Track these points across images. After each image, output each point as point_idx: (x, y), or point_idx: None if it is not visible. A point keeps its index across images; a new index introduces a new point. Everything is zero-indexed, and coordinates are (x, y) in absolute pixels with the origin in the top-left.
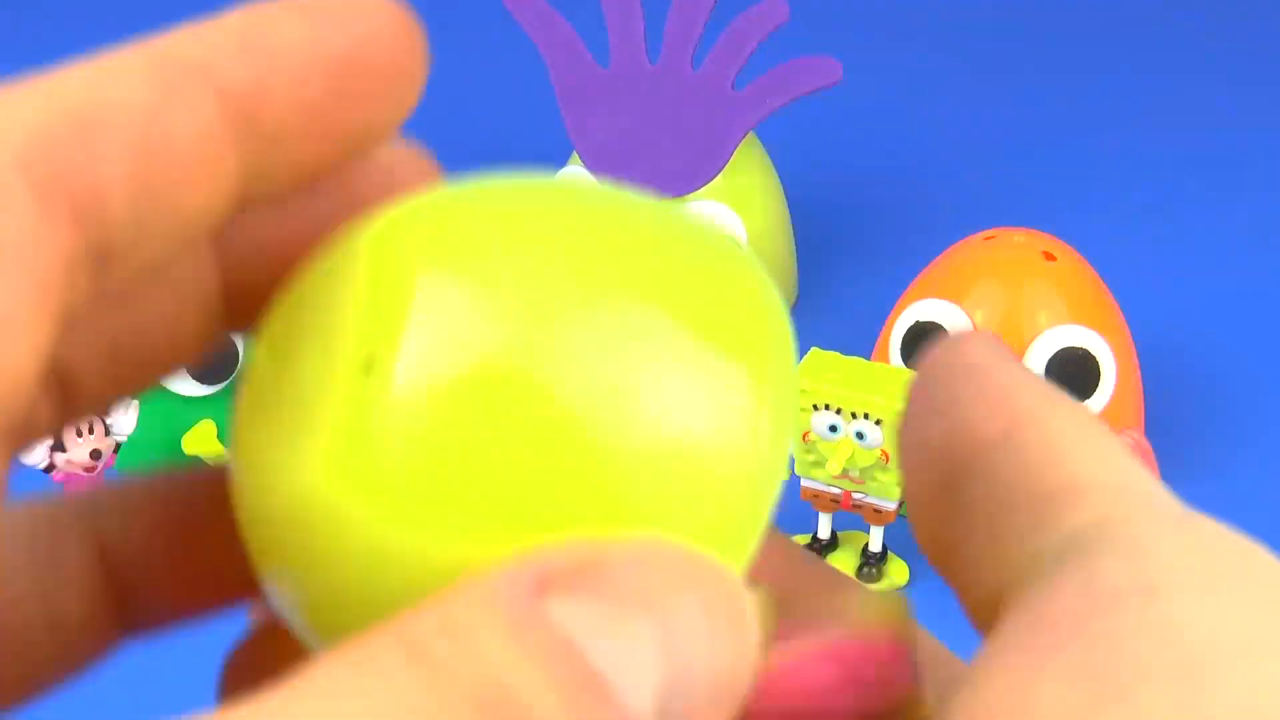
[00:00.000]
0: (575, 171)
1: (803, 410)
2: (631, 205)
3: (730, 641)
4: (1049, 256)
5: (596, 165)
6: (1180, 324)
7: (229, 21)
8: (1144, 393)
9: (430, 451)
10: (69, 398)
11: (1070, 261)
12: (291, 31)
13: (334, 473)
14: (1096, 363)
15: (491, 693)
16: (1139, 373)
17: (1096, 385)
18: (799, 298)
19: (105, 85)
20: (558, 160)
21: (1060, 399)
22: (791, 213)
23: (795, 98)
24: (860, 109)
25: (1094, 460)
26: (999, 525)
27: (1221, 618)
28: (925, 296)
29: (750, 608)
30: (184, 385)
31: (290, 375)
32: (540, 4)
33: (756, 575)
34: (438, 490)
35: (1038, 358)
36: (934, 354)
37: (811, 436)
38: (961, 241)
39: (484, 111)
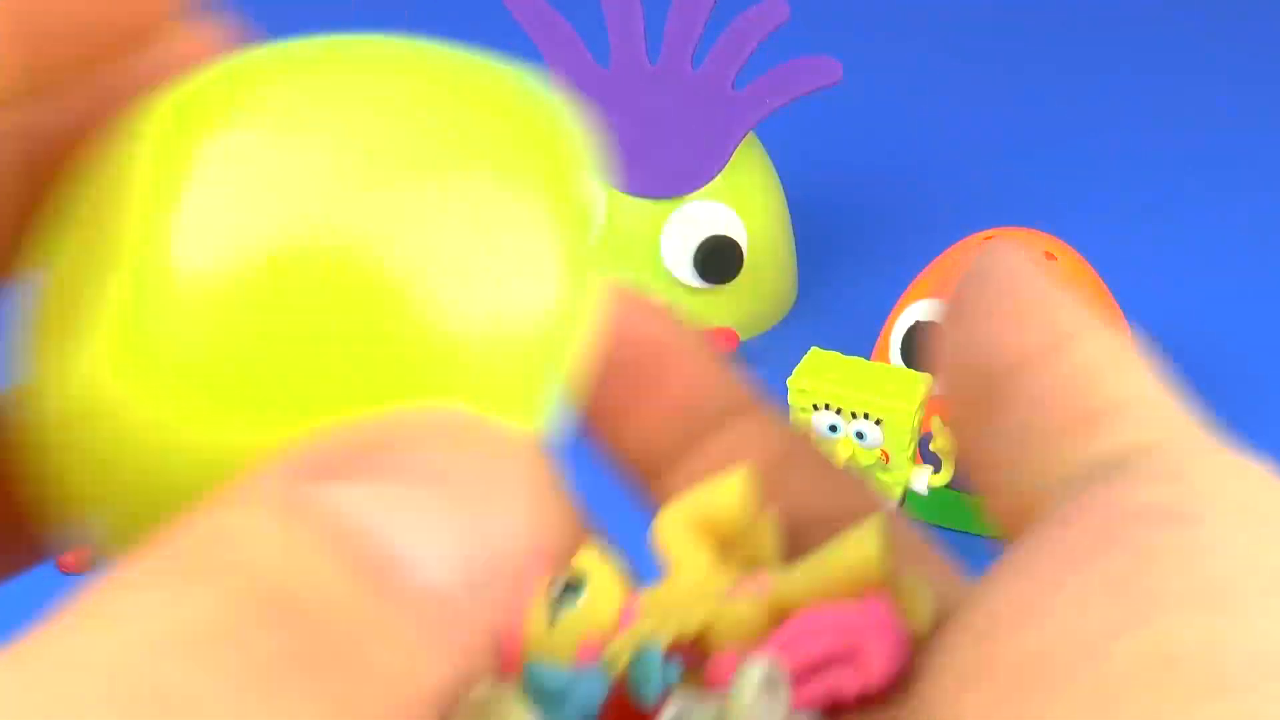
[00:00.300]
0: None
1: (803, 410)
2: (421, 59)
3: (526, 505)
4: (1049, 256)
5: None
6: (1180, 324)
7: None
8: None
9: (208, 337)
10: None
11: (1070, 261)
12: None
13: (116, 369)
14: None
15: (275, 594)
16: None
17: None
18: (799, 298)
19: None
20: None
21: (1099, 322)
22: (791, 213)
23: (795, 98)
24: (860, 109)
25: (1135, 384)
26: (1037, 439)
27: (1256, 549)
28: (925, 296)
29: (544, 469)
30: None
31: (75, 274)
32: (540, 4)
33: (773, 494)
34: (218, 377)
35: None
36: (977, 262)
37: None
38: (961, 241)
39: None
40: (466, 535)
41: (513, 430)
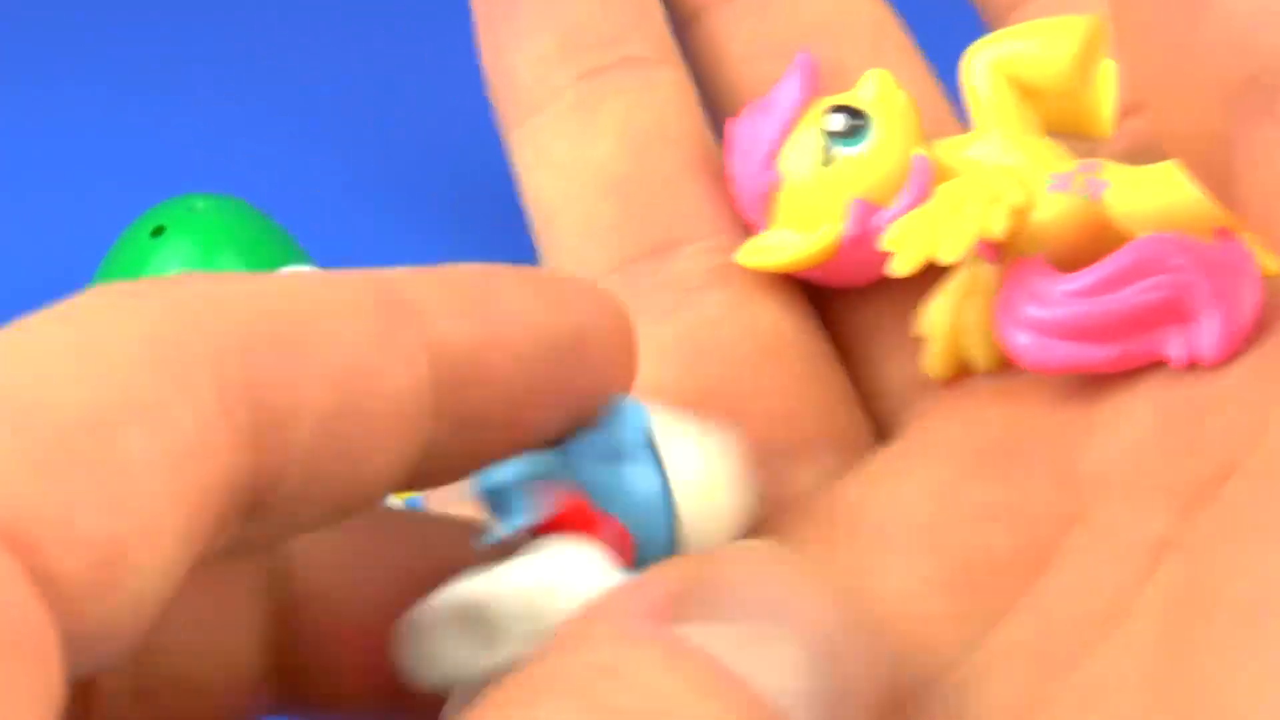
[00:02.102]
0: None
1: None
2: None
3: (860, 638)
4: None
5: None
6: None
7: (456, 273)
8: None
9: None
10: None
11: None
12: (517, 300)
13: None
14: None
15: None
16: None
17: None
18: None
19: (321, 306)
20: None
21: None
22: None
23: None
24: None
25: None
26: None
27: None
28: None
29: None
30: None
31: None
32: None
33: None
34: None
35: None
36: None
37: None
38: None
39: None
40: (818, 674)
41: (803, 561)
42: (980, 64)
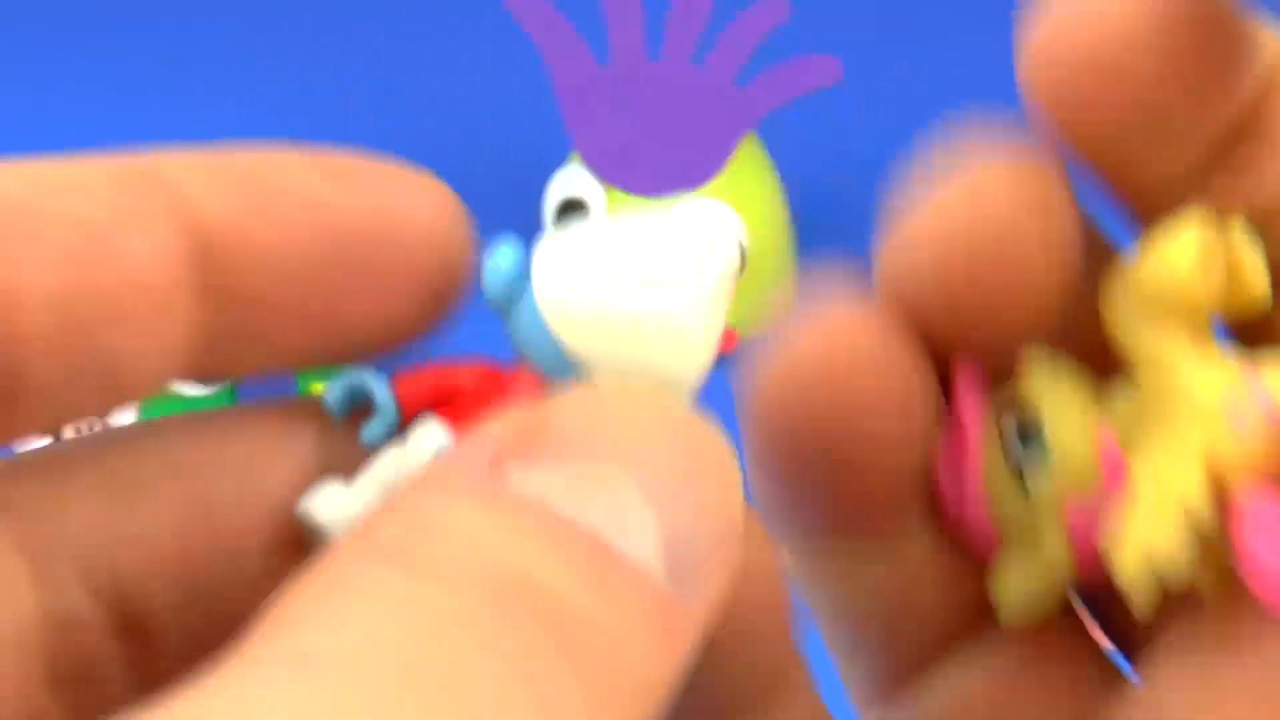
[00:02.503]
0: (575, 171)
1: None
2: None
3: (715, 482)
4: None
5: (597, 165)
6: None
7: (227, 154)
8: None
9: None
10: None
11: None
12: (299, 179)
13: None
14: None
15: (504, 579)
16: None
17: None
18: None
19: (47, 186)
20: (557, 160)
21: None
22: (791, 213)
23: (795, 97)
24: (860, 109)
25: None
26: None
27: None
28: None
29: (721, 441)
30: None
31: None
32: (540, 4)
33: None
34: None
35: None
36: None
37: None
38: None
39: (484, 111)
40: (661, 514)
41: (684, 404)
42: (1119, 308)
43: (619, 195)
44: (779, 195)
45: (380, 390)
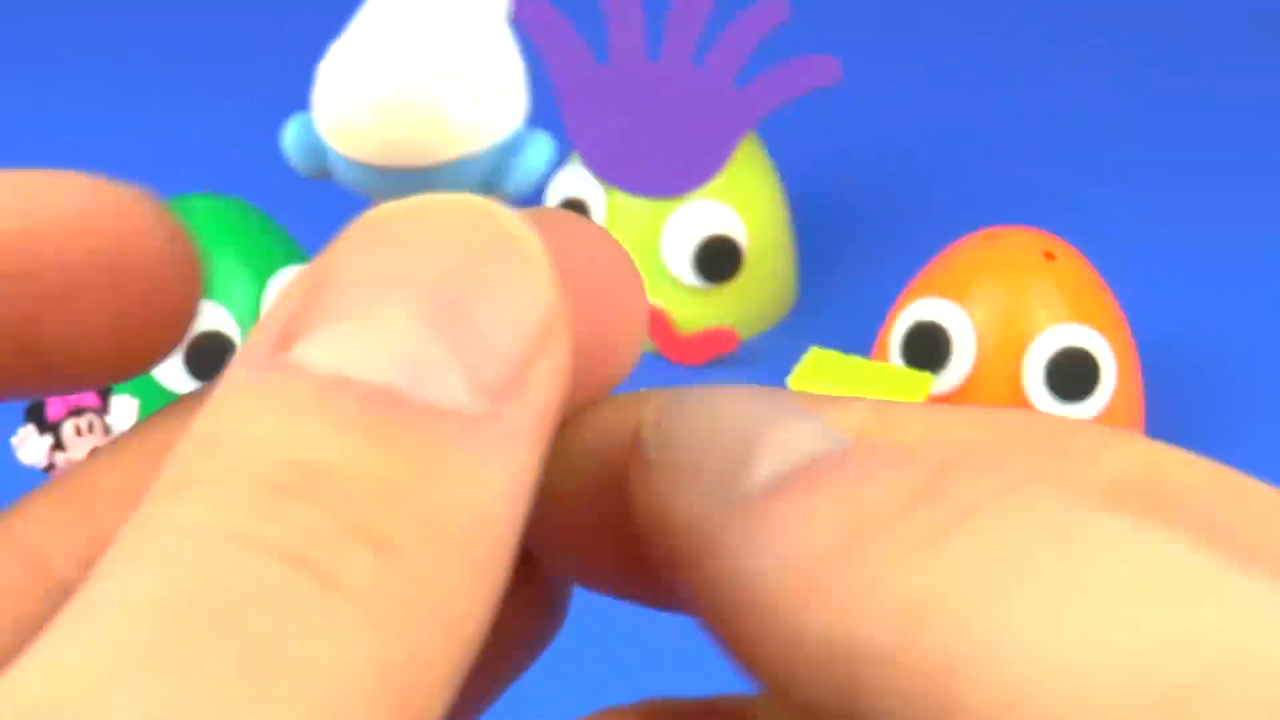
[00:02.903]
0: (575, 171)
1: None
2: None
3: (513, 275)
4: (1049, 256)
5: (596, 165)
6: (1180, 324)
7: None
8: (1144, 393)
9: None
10: None
11: (1070, 261)
12: (65, 196)
13: None
14: (1096, 363)
15: (284, 474)
16: (1139, 372)
17: (1096, 385)
18: (799, 298)
19: None
20: (558, 159)
21: None
22: (792, 213)
23: (795, 98)
24: (860, 109)
25: None
26: None
27: None
28: (925, 296)
29: (522, 229)
30: (179, 380)
31: None
32: (540, 4)
33: None
34: None
35: (1038, 358)
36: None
37: None
38: (961, 240)
39: None
40: (460, 341)
41: (464, 201)
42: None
43: (619, 195)
44: (779, 195)
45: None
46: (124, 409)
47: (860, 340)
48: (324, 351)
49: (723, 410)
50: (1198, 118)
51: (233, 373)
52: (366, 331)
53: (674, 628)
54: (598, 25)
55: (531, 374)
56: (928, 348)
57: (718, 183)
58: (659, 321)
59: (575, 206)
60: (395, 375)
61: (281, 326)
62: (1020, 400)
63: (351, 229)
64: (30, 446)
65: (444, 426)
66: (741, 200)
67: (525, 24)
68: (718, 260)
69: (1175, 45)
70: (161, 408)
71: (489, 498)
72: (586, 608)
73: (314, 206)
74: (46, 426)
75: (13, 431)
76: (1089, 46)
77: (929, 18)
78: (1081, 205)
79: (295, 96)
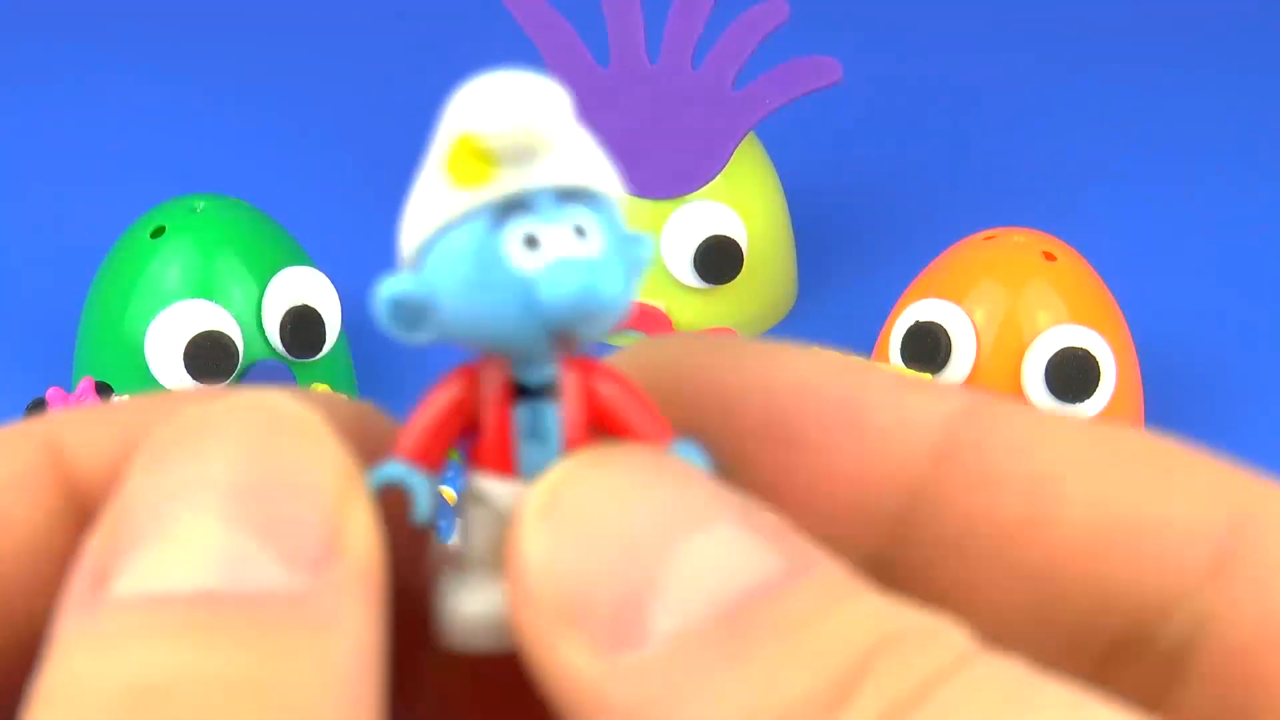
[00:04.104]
0: None
1: None
2: None
3: (307, 451)
4: (1049, 256)
5: None
6: (1180, 324)
7: (107, 407)
8: (1144, 393)
9: None
10: None
11: (1070, 261)
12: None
13: None
14: (1096, 363)
15: (121, 702)
16: (1139, 373)
17: (1096, 385)
18: (799, 298)
19: None
20: None
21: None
22: (791, 213)
23: (795, 98)
24: (860, 109)
25: None
26: None
27: None
28: (925, 296)
29: (294, 407)
30: (179, 381)
31: None
32: (540, 4)
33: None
34: None
35: (1038, 358)
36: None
37: None
38: (961, 241)
39: None
40: (258, 525)
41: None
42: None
43: None
44: (779, 196)
45: (408, 477)
46: None
47: (860, 341)
48: (137, 578)
49: (621, 514)
50: (1198, 118)
51: (60, 625)
52: (172, 547)
53: None
54: (598, 26)
55: (343, 540)
56: (928, 348)
57: (718, 183)
58: (659, 322)
59: None
60: (210, 578)
61: (95, 566)
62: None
63: (137, 455)
64: None
65: (270, 611)
66: (741, 201)
67: (525, 24)
68: (718, 261)
69: (1175, 46)
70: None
71: (336, 663)
72: None
73: (314, 206)
74: None
75: None
76: (1089, 47)
77: (929, 18)
78: (1081, 205)
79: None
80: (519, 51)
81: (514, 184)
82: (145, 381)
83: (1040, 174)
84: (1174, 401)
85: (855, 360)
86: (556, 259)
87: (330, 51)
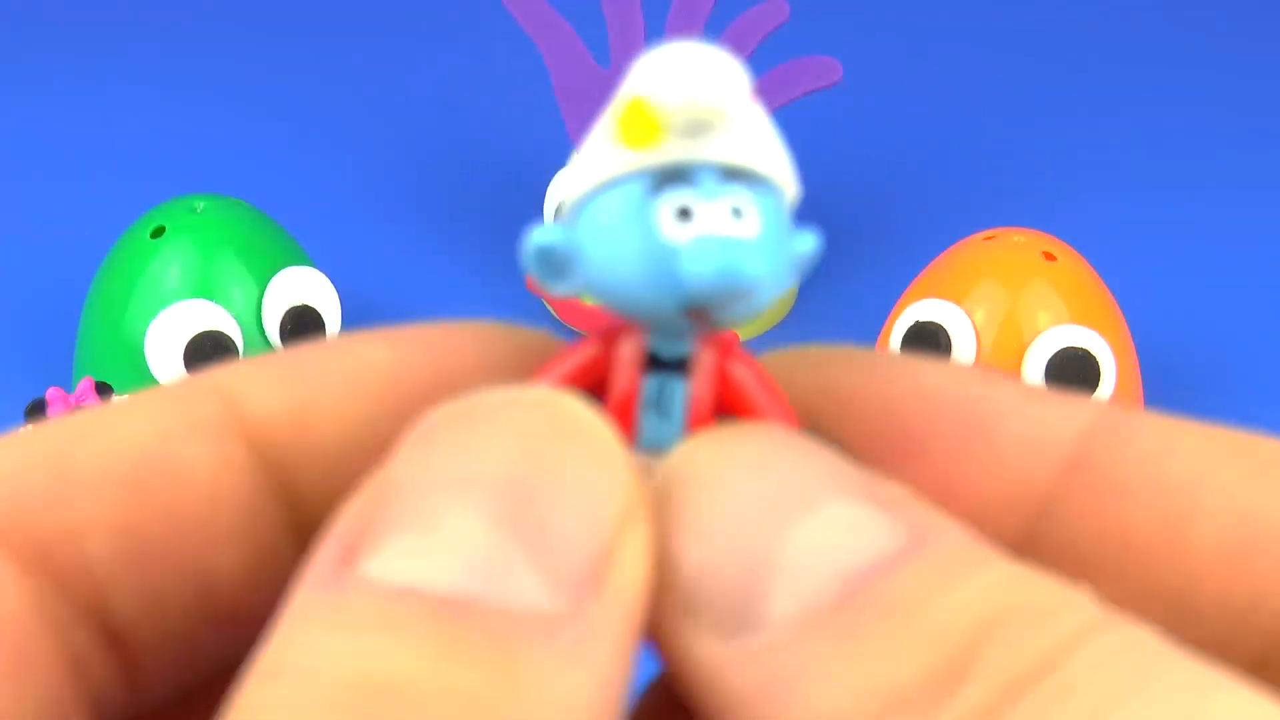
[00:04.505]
0: None
1: None
2: None
3: (593, 469)
4: (1049, 256)
5: None
6: (1180, 324)
7: (282, 353)
8: (1144, 393)
9: None
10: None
11: (1070, 261)
12: (329, 360)
13: None
14: (1096, 363)
15: (353, 695)
16: (1139, 373)
17: (1096, 385)
18: (799, 298)
19: (102, 420)
20: (558, 160)
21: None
22: (791, 213)
23: (795, 98)
24: (860, 109)
25: None
26: None
27: None
28: (925, 296)
29: (590, 417)
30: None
31: None
32: (540, 4)
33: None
34: None
35: (1038, 358)
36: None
37: None
38: (961, 241)
39: (484, 111)
40: (532, 538)
41: (523, 402)
42: None
43: None
44: None
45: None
46: None
47: (860, 341)
48: (390, 564)
49: (739, 496)
50: (1198, 119)
51: (298, 594)
52: (433, 539)
53: None
54: (598, 26)
55: (613, 568)
56: (928, 349)
57: None
58: None
59: None
60: (467, 582)
61: (345, 541)
62: None
63: (411, 432)
64: None
65: (522, 631)
66: None
67: (525, 24)
68: None
69: (1175, 46)
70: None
71: (575, 703)
72: None
73: (314, 206)
74: None
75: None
76: (1089, 48)
77: (929, 18)
78: (1081, 205)
79: (296, 97)
80: (519, 51)
81: (680, 154)
82: (145, 381)
83: (1040, 174)
84: (1174, 402)
85: (982, 370)
86: (705, 234)
87: (330, 52)
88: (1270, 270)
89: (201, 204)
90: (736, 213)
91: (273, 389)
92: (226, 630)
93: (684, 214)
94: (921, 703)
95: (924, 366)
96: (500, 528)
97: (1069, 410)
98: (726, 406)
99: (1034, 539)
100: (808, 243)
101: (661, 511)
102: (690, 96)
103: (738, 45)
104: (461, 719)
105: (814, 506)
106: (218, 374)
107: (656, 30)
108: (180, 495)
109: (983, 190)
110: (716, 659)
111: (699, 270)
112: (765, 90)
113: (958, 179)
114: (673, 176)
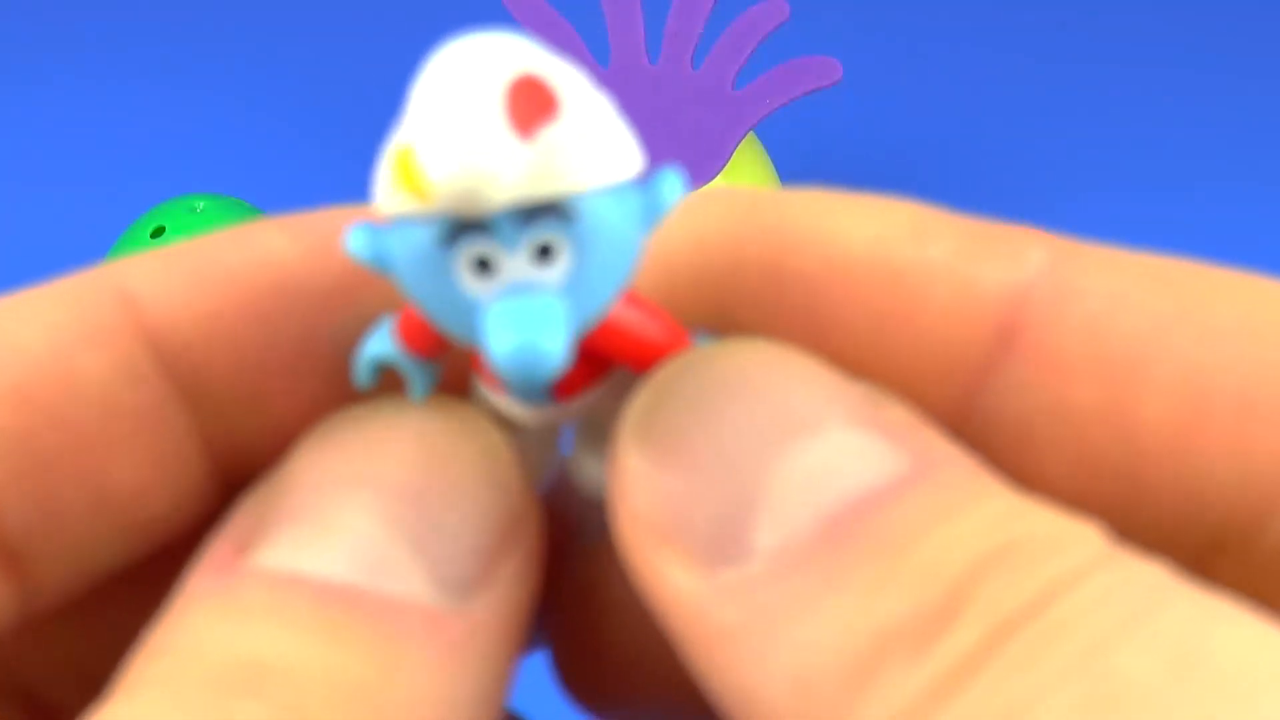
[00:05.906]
0: None
1: None
2: None
3: (485, 475)
4: None
5: None
6: None
7: (176, 247)
8: None
9: None
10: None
11: None
12: (227, 252)
13: None
14: None
15: (235, 675)
16: None
17: None
18: None
19: None
20: None
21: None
22: None
23: (795, 98)
24: (860, 109)
25: None
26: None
27: None
28: None
29: (484, 425)
30: None
31: None
32: (540, 4)
33: None
34: None
35: None
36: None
37: None
38: None
39: None
40: (420, 539)
41: (432, 417)
42: None
43: None
44: None
45: (398, 355)
46: None
47: None
48: (280, 554)
49: (721, 421)
50: (1198, 119)
51: (190, 582)
52: (323, 532)
53: None
54: (598, 26)
55: (499, 570)
56: None
57: (717, 183)
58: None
59: None
60: (355, 574)
61: (240, 532)
62: None
63: (310, 434)
64: None
65: (405, 623)
66: None
67: (525, 25)
68: None
69: (1175, 46)
70: None
71: (451, 696)
72: None
73: (313, 207)
74: None
75: None
76: (1090, 47)
77: (929, 18)
78: (1081, 205)
79: (296, 96)
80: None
81: (465, 205)
82: None
83: (1040, 174)
84: None
85: (916, 220)
86: (504, 297)
87: (331, 52)
88: (1270, 271)
89: (201, 204)
90: (543, 253)
91: (173, 287)
92: (128, 536)
93: (483, 265)
94: (912, 642)
95: (855, 216)
96: (390, 525)
97: (1005, 267)
98: (603, 347)
99: (970, 415)
100: (673, 189)
101: (643, 432)
102: (454, 171)
103: (738, 45)
104: (340, 703)
105: (810, 431)
106: (114, 270)
107: (656, 31)
108: (73, 404)
109: (983, 190)
110: (697, 592)
111: (499, 350)
112: (765, 90)
113: (957, 179)
114: (466, 224)
